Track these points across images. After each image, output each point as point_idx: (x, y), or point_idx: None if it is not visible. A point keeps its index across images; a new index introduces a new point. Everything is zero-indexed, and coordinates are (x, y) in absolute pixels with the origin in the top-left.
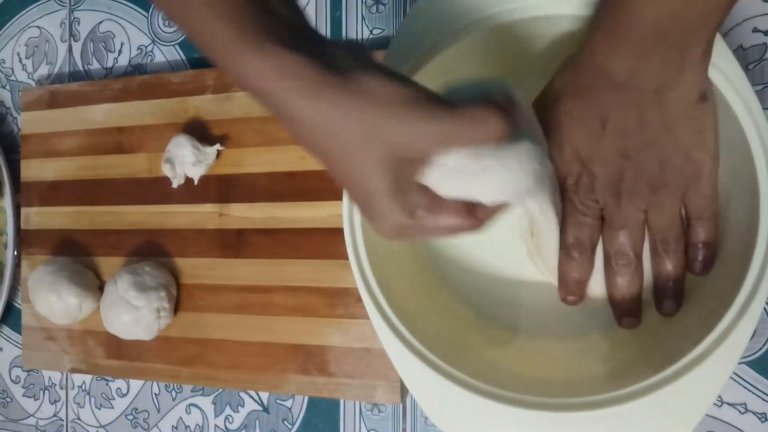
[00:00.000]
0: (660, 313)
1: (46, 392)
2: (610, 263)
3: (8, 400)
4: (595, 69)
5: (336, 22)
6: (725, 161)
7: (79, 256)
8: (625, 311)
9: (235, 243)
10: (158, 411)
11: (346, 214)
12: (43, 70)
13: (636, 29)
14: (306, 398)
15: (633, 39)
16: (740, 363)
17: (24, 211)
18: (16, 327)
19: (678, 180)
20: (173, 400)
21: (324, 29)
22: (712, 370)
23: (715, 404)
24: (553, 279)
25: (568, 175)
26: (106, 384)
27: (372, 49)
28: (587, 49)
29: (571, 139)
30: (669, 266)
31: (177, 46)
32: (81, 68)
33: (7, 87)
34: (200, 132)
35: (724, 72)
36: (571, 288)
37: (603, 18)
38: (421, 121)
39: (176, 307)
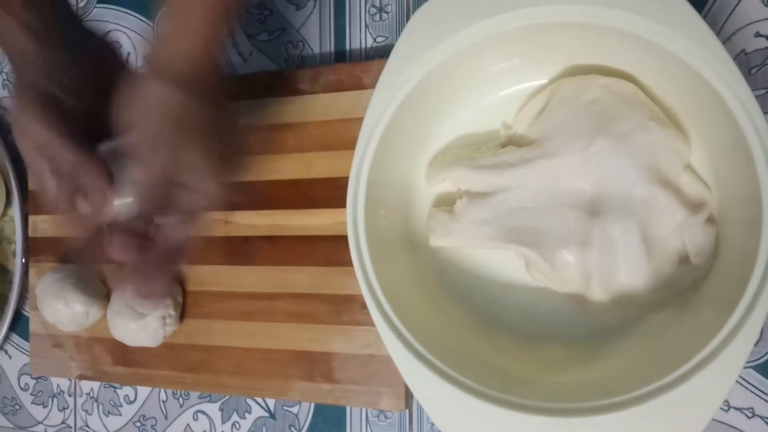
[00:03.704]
0: None
1: (55, 399)
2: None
3: (17, 407)
4: None
5: (340, 30)
6: (726, 165)
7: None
8: None
9: (240, 250)
10: (166, 418)
11: (350, 221)
12: None
13: None
14: (312, 405)
15: None
16: (747, 367)
17: (32, 219)
18: (25, 335)
19: None
20: (180, 406)
21: (328, 37)
22: (718, 374)
23: (721, 409)
24: (552, 286)
25: None
26: (114, 391)
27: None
28: None
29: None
30: None
31: None
32: None
33: None
34: None
35: (724, 76)
36: None
37: None
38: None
39: (182, 314)
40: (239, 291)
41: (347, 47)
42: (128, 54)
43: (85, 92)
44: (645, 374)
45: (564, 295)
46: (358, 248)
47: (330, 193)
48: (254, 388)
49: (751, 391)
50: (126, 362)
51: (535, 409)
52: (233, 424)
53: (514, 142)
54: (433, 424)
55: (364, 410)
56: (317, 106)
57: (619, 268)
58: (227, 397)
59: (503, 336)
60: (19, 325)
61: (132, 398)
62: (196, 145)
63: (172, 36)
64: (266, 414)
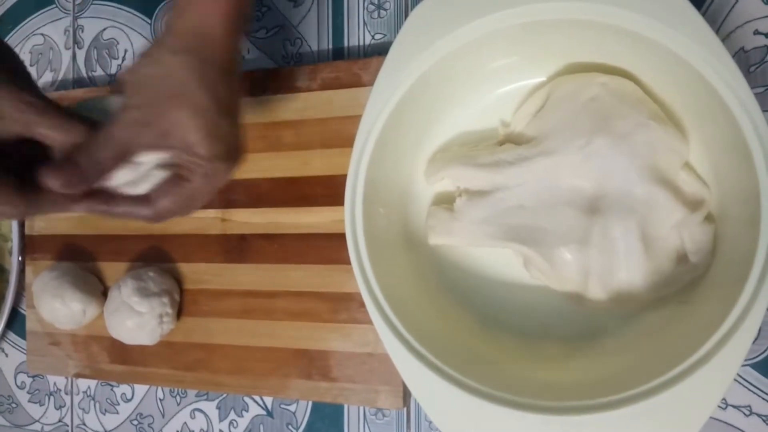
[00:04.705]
0: None
1: (52, 398)
2: None
3: (14, 405)
4: None
5: (338, 27)
6: (725, 163)
7: (83, 262)
8: None
9: (238, 248)
10: (163, 416)
11: (348, 219)
12: (48, 78)
13: None
14: (310, 403)
15: None
16: (745, 365)
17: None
18: (21, 332)
19: None
20: (178, 405)
21: (326, 34)
22: (716, 372)
23: (719, 407)
24: (551, 284)
25: None
26: (111, 389)
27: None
28: None
29: None
30: None
31: None
32: (85, 75)
33: None
34: None
35: (723, 74)
36: None
37: None
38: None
39: (179, 313)
40: (237, 289)
41: (345, 44)
42: (125, 51)
43: None
44: (644, 372)
45: (563, 294)
46: (357, 246)
47: (328, 191)
48: (252, 387)
49: (749, 389)
50: (123, 360)
51: (532, 407)
52: (230, 423)
53: (512, 139)
54: (430, 422)
55: (361, 408)
56: (315, 104)
57: (618, 266)
58: (225, 395)
59: (501, 334)
60: (15, 323)
61: (129, 396)
62: (187, 110)
63: (193, 7)
64: (264, 412)
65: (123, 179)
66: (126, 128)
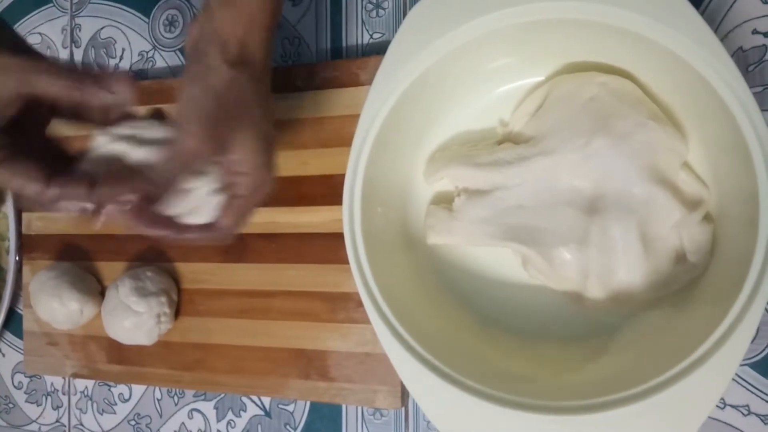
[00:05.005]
0: None
1: (49, 398)
2: None
3: (11, 405)
4: None
5: (336, 27)
6: (724, 163)
7: (80, 261)
8: None
9: (236, 248)
10: (160, 416)
11: (346, 219)
12: None
13: None
14: (308, 403)
15: None
16: (743, 365)
17: (26, 216)
18: (18, 332)
19: None
20: (175, 405)
21: (324, 33)
22: (715, 372)
23: (717, 406)
24: (550, 284)
25: None
26: (109, 389)
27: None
28: None
29: None
30: None
31: (178, 52)
32: None
33: None
34: None
35: (722, 74)
36: None
37: None
38: None
39: (177, 312)
40: (234, 289)
41: (344, 44)
42: (123, 50)
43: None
44: (642, 372)
45: (561, 293)
46: (355, 246)
47: (326, 190)
48: (250, 387)
49: (747, 389)
50: (121, 360)
51: (531, 407)
52: (228, 423)
53: (511, 139)
54: (429, 422)
55: (359, 408)
56: (313, 103)
57: (617, 266)
58: (222, 395)
59: (500, 334)
60: (12, 323)
61: (126, 397)
62: (243, 123)
63: (224, 16)
64: (262, 412)
65: (182, 208)
66: (189, 138)
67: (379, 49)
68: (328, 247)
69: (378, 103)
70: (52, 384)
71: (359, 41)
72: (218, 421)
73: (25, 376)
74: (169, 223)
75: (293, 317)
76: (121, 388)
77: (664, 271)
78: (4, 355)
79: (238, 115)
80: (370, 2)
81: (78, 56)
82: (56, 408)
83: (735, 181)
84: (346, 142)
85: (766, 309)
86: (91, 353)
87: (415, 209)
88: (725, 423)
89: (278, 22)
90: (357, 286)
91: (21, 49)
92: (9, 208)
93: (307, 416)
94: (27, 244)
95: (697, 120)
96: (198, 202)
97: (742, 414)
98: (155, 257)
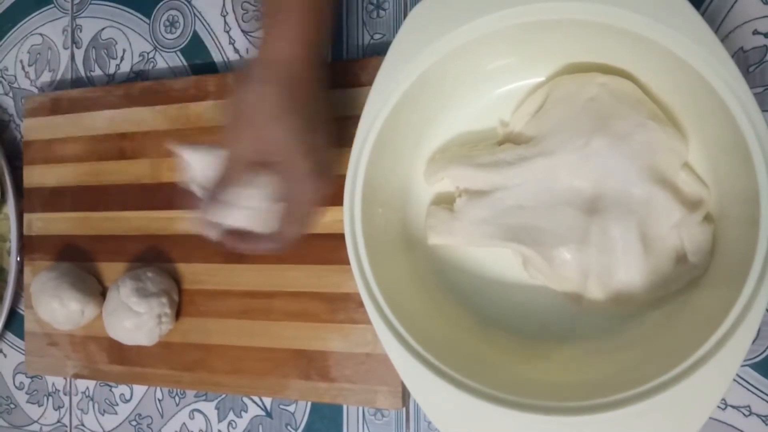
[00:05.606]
0: None
1: (50, 398)
2: None
3: (12, 406)
4: None
5: (337, 28)
6: (724, 163)
7: (81, 262)
8: None
9: None
10: (162, 417)
11: (347, 219)
12: (46, 78)
13: None
14: (309, 403)
15: None
16: (744, 365)
17: (27, 217)
18: (20, 333)
19: None
20: (176, 405)
21: None
22: (716, 372)
23: (719, 407)
24: (550, 284)
25: None
26: (110, 390)
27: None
28: None
29: None
30: None
31: (179, 53)
32: (83, 75)
33: (10, 94)
34: (202, 138)
35: (723, 74)
36: None
37: None
38: None
39: (178, 313)
40: (235, 289)
41: (344, 44)
42: (123, 51)
43: None
44: (643, 372)
45: (561, 294)
46: (355, 247)
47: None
48: (250, 387)
49: (749, 390)
50: (122, 361)
51: (531, 408)
52: (229, 423)
53: (511, 139)
54: (429, 423)
55: (360, 409)
56: None
57: (617, 266)
58: (223, 395)
59: (500, 334)
60: (14, 323)
61: (128, 397)
62: (299, 139)
63: (273, 39)
64: (263, 413)
65: (246, 222)
66: (234, 145)
67: (380, 50)
68: (329, 247)
69: (378, 103)
70: (53, 384)
71: (360, 42)
72: (219, 421)
73: (27, 377)
74: (241, 235)
75: (294, 318)
76: (122, 389)
77: (664, 272)
78: (5, 355)
79: (275, 125)
80: (371, 3)
81: (79, 57)
82: (57, 408)
83: (735, 182)
84: (346, 142)
85: (767, 309)
86: (92, 354)
87: (415, 210)
88: (726, 424)
89: (325, 36)
90: (358, 287)
91: None
92: (10, 208)
93: (308, 417)
94: (28, 245)
95: (698, 120)
96: (256, 216)
97: (744, 415)
98: (156, 258)
